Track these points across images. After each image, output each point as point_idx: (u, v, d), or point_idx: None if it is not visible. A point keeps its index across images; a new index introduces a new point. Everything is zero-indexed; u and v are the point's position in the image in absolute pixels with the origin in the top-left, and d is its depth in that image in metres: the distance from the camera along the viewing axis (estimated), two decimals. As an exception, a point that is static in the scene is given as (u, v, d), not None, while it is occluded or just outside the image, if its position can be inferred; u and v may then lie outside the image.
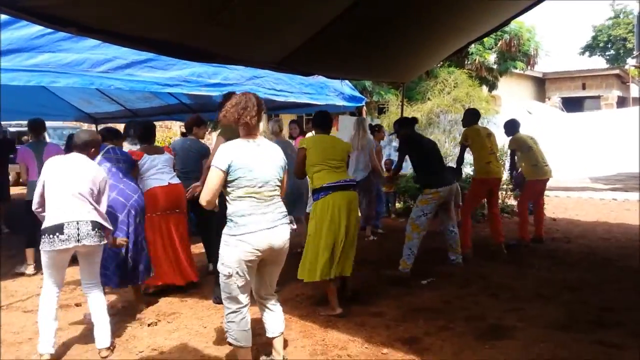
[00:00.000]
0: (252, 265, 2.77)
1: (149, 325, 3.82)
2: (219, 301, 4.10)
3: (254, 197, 2.73)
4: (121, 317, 3.97)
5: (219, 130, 4.03)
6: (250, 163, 2.73)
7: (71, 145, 3.44)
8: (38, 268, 5.17)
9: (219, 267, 2.77)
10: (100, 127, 10.25)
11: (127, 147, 4.96)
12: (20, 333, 3.71)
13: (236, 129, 2.89)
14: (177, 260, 4.55)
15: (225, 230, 2.76)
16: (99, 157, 3.76)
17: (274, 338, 3.01)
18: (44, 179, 3.21)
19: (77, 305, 4.25)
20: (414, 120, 5.59)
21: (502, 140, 6.57)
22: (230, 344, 2.88)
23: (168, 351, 3.37)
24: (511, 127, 6.35)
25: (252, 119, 2.76)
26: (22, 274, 5.19)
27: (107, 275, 3.79)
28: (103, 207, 3.34)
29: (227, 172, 2.69)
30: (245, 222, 2.70)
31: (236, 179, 2.70)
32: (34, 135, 5.58)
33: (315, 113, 4.34)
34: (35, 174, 5.37)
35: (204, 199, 2.72)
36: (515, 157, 6.43)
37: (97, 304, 3.33)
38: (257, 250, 2.73)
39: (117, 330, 3.65)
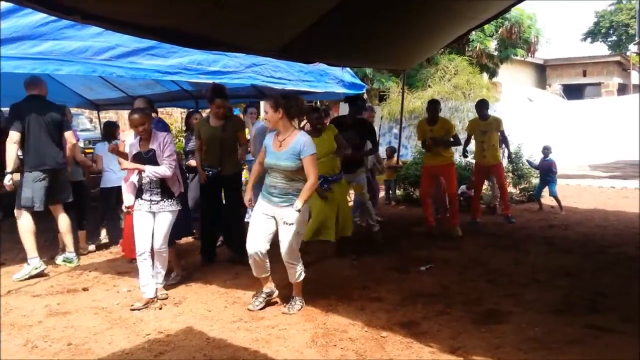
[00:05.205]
0: None
1: (154, 309, 3.92)
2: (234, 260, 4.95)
3: None
4: (128, 301, 4.06)
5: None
6: None
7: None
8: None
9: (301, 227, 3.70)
10: (102, 113, 10.32)
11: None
12: (30, 316, 3.80)
13: None
14: None
15: None
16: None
17: None
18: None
19: (84, 289, 4.35)
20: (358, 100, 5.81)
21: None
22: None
23: (174, 334, 3.46)
24: (484, 107, 6.77)
25: None
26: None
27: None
28: None
29: None
30: None
31: None
32: None
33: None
34: None
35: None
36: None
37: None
38: None
39: (123, 314, 3.75)
